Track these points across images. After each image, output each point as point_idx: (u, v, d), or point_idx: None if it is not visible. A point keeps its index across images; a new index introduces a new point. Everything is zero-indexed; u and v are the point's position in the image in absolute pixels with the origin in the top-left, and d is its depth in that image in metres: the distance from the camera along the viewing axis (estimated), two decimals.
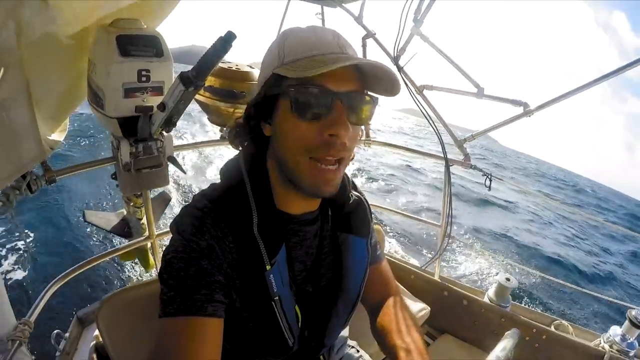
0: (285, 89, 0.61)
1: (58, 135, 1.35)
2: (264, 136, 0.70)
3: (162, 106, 1.22)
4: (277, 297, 0.67)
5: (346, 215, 0.82)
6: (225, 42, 0.97)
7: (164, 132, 1.46)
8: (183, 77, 1.10)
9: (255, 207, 0.67)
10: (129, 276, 4.55)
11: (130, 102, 1.27)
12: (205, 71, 1.10)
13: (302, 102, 0.59)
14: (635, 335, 1.72)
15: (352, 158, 0.71)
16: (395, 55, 1.85)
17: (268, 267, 0.66)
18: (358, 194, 0.88)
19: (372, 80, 0.65)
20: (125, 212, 1.98)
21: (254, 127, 0.70)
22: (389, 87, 0.64)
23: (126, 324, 1.06)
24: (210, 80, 1.66)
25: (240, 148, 0.76)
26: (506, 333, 0.88)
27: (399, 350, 0.73)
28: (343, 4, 1.98)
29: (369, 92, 0.66)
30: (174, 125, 1.36)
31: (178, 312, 0.58)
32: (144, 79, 1.26)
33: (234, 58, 1.75)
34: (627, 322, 1.73)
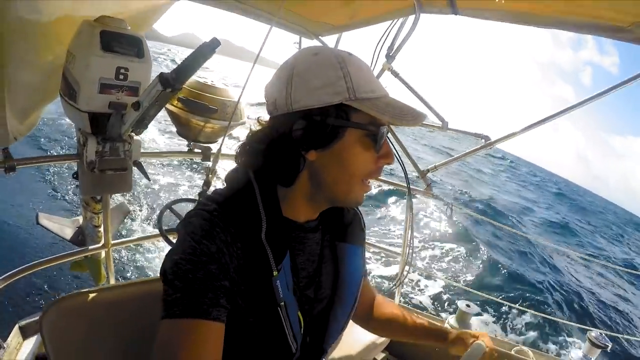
0: (362, 124, 0.67)
1: (26, 127, 1.31)
2: (292, 157, 0.70)
3: (136, 105, 1.21)
4: (282, 303, 0.68)
5: (344, 226, 0.87)
6: (210, 48, 1.02)
7: (133, 135, 1.45)
8: (162, 78, 1.11)
9: (265, 214, 0.69)
10: (79, 284, 4.12)
11: (105, 97, 1.26)
12: (186, 75, 1.13)
13: (377, 138, 0.68)
14: (596, 355, 1.78)
15: None
16: None
17: (275, 274, 0.67)
18: None
19: None
20: (81, 220, 1.88)
21: (288, 150, 0.69)
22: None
23: (74, 333, 0.93)
24: (185, 92, 1.69)
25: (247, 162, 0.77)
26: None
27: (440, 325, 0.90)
28: (320, 37, 2.10)
29: None
30: (145, 127, 1.35)
31: (183, 314, 0.59)
32: (121, 76, 1.26)
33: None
34: (587, 343, 1.79)
